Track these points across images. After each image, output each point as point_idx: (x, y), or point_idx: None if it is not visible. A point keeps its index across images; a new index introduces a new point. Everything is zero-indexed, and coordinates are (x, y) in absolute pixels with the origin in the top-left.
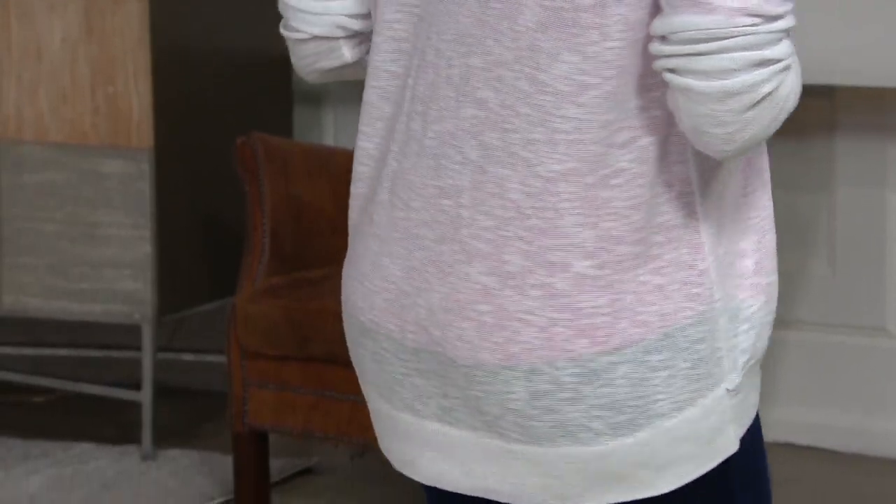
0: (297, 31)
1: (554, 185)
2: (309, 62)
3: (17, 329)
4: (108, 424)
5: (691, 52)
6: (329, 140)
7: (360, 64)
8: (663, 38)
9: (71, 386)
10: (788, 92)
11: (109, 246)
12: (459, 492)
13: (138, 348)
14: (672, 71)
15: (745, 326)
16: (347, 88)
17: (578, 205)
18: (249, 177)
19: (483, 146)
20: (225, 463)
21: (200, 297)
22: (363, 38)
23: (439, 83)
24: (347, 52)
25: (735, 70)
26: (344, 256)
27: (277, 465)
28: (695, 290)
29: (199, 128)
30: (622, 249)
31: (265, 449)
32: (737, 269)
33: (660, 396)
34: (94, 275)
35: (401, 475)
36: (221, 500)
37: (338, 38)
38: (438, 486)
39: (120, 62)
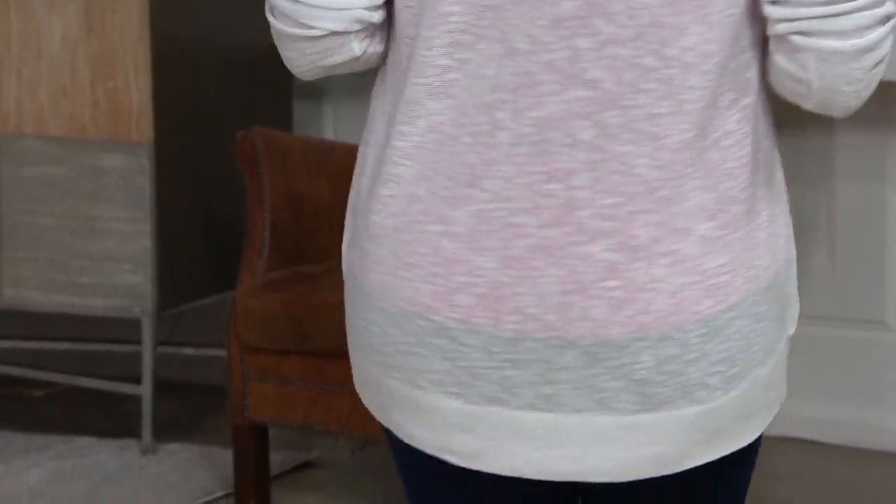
0: (311, 27)
1: (680, 155)
2: (315, 59)
3: (17, 323)
4: (109, 418)
5: (829, 13)
6: (329, 134)
7: (363, 58)
8: (780, 2)
9: (71, 380)
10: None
11: (109, 240)
12: (543, 478)
13: (138, 342)
14: (802, 33)
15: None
16: (347, 82)
17: (698, 169)
18: (249, 171)
19: (599, 126)
20: (225, 457)
21: (200, 292)
22: (373, 30)
23: (534, 69)
24: (356, 46)
25: (869, 27)
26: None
27: (277, 459)
28: (781, 242)
29: (198, 122)
30: (737, 209)
31: (265, 443)
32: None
33: (758, 346)
34: (93, 269)
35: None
36: (221, 493)
37: (350, 33)
38: (518, 475)
39: (120, 57)
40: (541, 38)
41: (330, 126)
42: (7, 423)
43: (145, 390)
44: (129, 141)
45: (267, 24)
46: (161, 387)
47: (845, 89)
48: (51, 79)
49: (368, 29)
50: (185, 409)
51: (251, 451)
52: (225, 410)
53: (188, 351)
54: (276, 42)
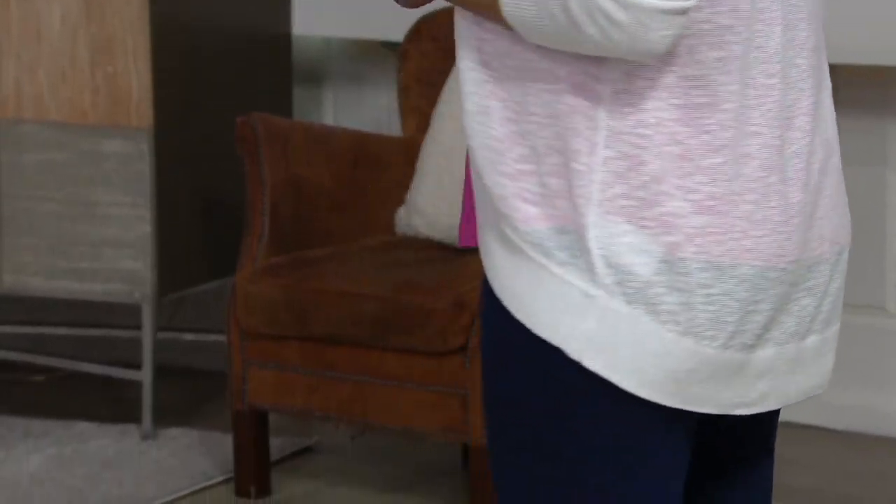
0: None
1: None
2: (681, 33)
3: (17, 308)
4: (109, 404)
5: None
6: (329, 119)
7: None
8: None
9: (71, 365)
10: None
11: (109, 225)
12: (789, 403)
13: (138, 328)
14: None
15: None
16: (346, 67)
17: None
18: (249, 156)
19: (807, 52)
20: (225, 442)
21: (200, 277)
22: None
23: (771, 10)
24: None
25: None
26: (343, 237)
27: (277, 445)
28: None
29: (198, 108)
30: None
31: (265, 428)
32: None
33: None
34: (94, 254)
35: (401, 455)
36: (221, 478)
37: None
38: (782, 405)
39: (119, 41)
40: None
41: (330, 111)
42: (7, 408)
43: (145, 376)
44: (129, 126)
45: (267, 8)
46: (161, 372)
47: None
48: (50, 64)
49: None
50: (185, 395)
51: (251, 436)
52: (225, 396)
53: (188, 336)
54: (638, 21)
